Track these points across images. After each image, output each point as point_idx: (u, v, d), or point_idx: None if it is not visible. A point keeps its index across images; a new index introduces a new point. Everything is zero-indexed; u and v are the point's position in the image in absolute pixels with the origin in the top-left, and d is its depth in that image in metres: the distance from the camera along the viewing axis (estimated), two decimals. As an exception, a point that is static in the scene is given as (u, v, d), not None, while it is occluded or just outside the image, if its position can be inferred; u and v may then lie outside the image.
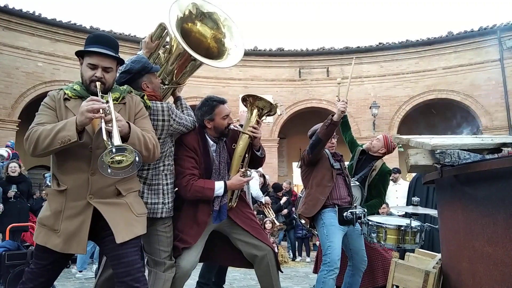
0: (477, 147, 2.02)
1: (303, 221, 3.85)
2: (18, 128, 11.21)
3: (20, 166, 6.90)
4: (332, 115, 3.28)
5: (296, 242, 8.75)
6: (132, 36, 13.04)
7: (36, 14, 11.79)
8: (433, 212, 3.35)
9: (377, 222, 3.10)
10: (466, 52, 13.14)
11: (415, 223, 3.03)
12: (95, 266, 6.02)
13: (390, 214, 6.44)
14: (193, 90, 11.82)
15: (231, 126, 2.97)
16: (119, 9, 43.78)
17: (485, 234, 1.83)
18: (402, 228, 3.00)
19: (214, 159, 2.89)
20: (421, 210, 3.36)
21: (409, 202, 5.20)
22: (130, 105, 2.31)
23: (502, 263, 1.73)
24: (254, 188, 6.91)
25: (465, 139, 2.20)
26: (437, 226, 2.53)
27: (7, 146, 8.36)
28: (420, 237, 3.04)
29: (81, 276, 5.94)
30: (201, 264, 3.76)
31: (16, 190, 6.65)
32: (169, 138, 2.71)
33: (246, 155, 2.96)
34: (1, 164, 6.92)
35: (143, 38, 2.95)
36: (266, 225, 7.13)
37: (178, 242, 2.71)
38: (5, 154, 7.39)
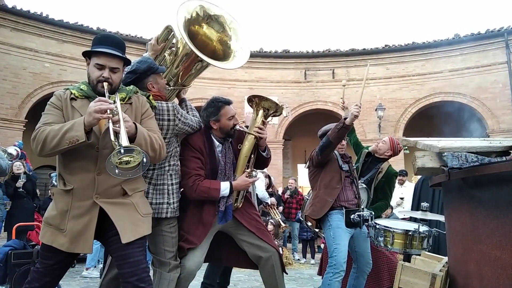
0: (485, 150, 2.01)
1: (309, 224, 3.83)
2: (25, 128, 11.29)
3: (24, 166, 7.07)
4: (345, 119, 3.24)
5: (301, 244, 8.75)
6: (138, 38, 13.09)
7: (44, 15, 11.88)
8: (442, 218, 3.33)
9: (384, 226, 3.08)
10: (473, 54, 13.07)
11: (423, 228, 3.01)
12: (101, 266, 6.04)
13: (389, 217, 6.39)
14: (199, 91, 11.84)
15: (237, 127, 2.97)
16: (126, 11, 44.04)
17: (493, 238, 1.81)
18: (410, 233, 2.98)
19: (220, 160, 2.89)
20: (430, 216, 3.34)
21: (415, 205, 5.17)
22: (137, 105, 2.31)
23: (510, 266, 1.72)
24: (260, 189, 6.89)
25: (473, 141, 2.18)
26: (445, 232, 2.51)
27: (15, 146, 8.48)
28: (427, 242, 3.02)
29: (86, 275, 5.97)
30: (206, 264, 3.76)
31: (24, 180, 6.85)
32: (175, 138, 2.72)
33: (252, 156, 2.96)
34: (10, 162, 7.03)
35: (150, 40, 2.96)
36: (268, 227, 7.09)
37: (183, 243, 2.71)
38: (14, 153, 7.51)
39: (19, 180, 6.88)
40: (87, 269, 6.07)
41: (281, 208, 8.48)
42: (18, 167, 7.00)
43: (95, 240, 2.27)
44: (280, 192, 9.08)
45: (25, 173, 7.11)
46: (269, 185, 8.01)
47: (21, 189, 6.88)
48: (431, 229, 3.12)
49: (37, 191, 8.71)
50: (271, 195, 8.10)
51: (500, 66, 12.70)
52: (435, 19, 43.34)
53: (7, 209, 6.67)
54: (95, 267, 6.13)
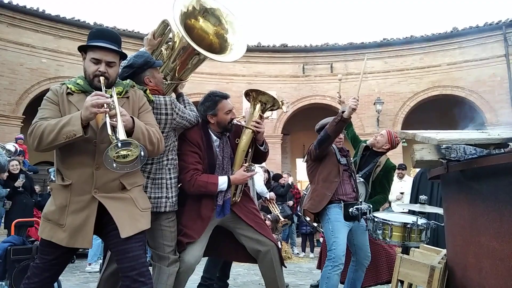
0: (484, 142, 2.00)
1: (308, 218, 3.83)
2: (22, 124, 11.27)
3: (20, 164, 7.07)
4: (342, 112, 3.23)
5: (300, 238, 8.75)
6: (135, 33, 13.06)
7: (40, 10, 11.85)
8: (440, 210, 3.33)
9: (383, 219, 3.08)
10: (471, 48, 13.07)
11: (421, 221, 3.02)
12: (101, 261, 6.05)
13: (387, 209, 6.39)
14: (197, 86, 11.82)
15: (234, 121, 2.96)
16: (122, 5, 43.82)
17: (491, 229, 1.82)
18: (408, 226, 2.98)
19: (218, 154, 2.88)
20: (429, 209, 3.34)
21: (413, 198, 5.17)
22: (134, 99, 2.31)
23: (508, 258, 1.72)
24: (259, 183, 6.89)
25: (472, 134, 2.18)
26: (443, 224, 2.52)
27: (19, 139, 8.50)
28: (426, 235, 3.03)
29: (90, 270, 5.98)
30: (206, 259, 3.76)
31: (24, 179, 6.84)
32: (172, 132, 2.71)
33: (250, 150, 2.96)
34: (9, 158, 7.03)
35: (146, 35, 2.95)
36: (265, 222, 7.05)
37: (182, 237, 2.71)
38: (12, 149, 7.50)
39: (19, 180, 6.85)
40: (89, 264, 6.09)
41: (291, 202, 8.44)
42: (15, 167, 6.97)
43: (97, 236, 2.26)
44: (290, 181, 8.96)
45: (21, 170, 7.10)
46: (268, 180, 8.00)
47: (20, 188, 6.86)
48: (429, 221, 3.12)
49: (37, 187, 8.73)
50: (282, 186, 8.13)
51: (499, 59, 12.71)
52: (433, 13, 43.26)
53: (6, 209, 6.67)
54: (96, 262, 6.14)
